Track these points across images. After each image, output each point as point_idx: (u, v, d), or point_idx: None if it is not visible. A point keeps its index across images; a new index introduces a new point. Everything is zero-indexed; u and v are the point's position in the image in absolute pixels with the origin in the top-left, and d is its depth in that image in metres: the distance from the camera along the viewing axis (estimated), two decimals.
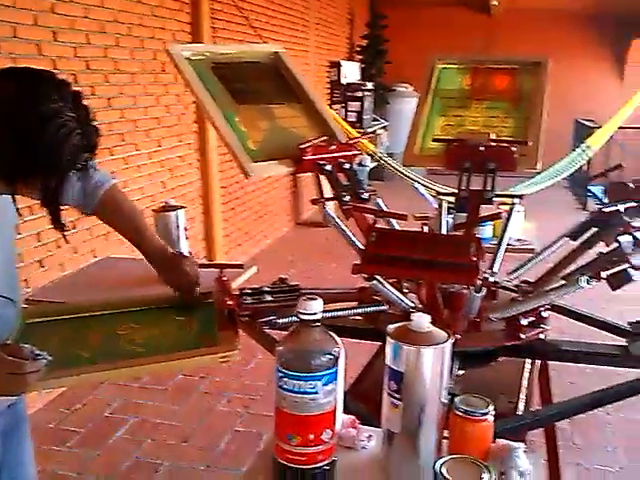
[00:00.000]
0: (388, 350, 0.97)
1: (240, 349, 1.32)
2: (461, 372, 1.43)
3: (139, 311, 1.57)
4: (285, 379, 0.93)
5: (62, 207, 1.30)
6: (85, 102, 1.25)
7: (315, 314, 0.94)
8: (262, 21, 5.96)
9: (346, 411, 1.15)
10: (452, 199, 1.79)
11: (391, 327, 0.99)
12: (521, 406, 1.54)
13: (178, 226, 1.92)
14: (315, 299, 0.93)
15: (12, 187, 1.25)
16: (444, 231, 1.78)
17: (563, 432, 2.97)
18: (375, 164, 7.84)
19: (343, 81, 8.36)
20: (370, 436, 1.08)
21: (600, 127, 5.92)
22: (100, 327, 1.48)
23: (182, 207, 1.93)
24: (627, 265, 1.33)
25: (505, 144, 1.77)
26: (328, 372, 0.93)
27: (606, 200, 1.65)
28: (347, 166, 1.86)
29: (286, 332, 1.03)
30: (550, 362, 1.99)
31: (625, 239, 1.37)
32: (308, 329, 0.94)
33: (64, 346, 1.39)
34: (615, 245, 1.39)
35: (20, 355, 1.11)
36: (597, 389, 1.39)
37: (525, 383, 1.64)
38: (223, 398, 3.47)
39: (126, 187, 4.03)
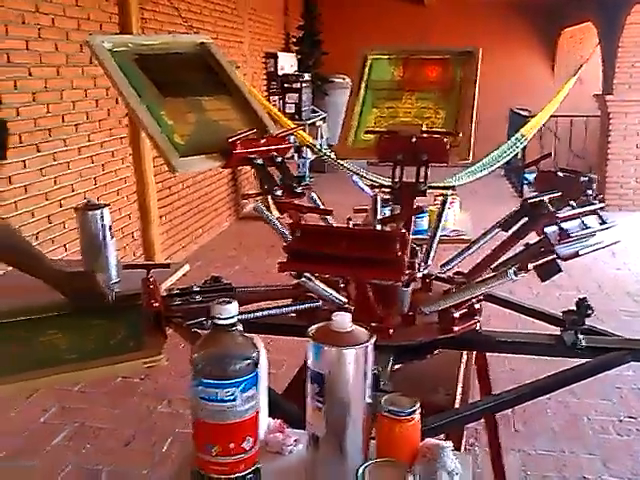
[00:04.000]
0: (309, 352, 0.93)
1: (165, 354, 1.27)
2: (397, 367, 1.41)
3: (61, 316, 1.51)
4: (201, 387, 0.89)
5: None
6: None
7: (229, 318, 0.89)
8: (194, 11, 5.83)
9: (280, 413, 1.11)
10: (388, 191, 1.78)
11: (313, 328, 0.95)
12: (459, 398, 1.53)
13: (104, 225, 1.84)
14: (229, 302, 0.89)
15: None
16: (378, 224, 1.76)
17: (504, 418, 3.02)
18: (315, 156, 7.84)
19: (280, 72, 8.29)
20: (297, 440, 1.04)
21: (534, 116, 6.06)
22: (23, 334, 1.41)
23: (106, 205, 1.85)
24: (554, 256, 1.34)
25: (437, 135, 1.76)
26: (247, 378, 0.89)
27: (535, 190, 1.66)
28: (279, 159, 1.82)
29: None
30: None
31: (552, 229, 1.37)
32: (224, 334, 0.90)
33: None
34: (543, 236, 1.39)
35: None
36: (535, 379, 1.38)
37: (462, 375, 1.64)
38: (164, 400, 3.38)
39: (55, 184, 3.89)
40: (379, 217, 1.79)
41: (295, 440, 1.03)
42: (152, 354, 1.28)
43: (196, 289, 1.57)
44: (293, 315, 1.50)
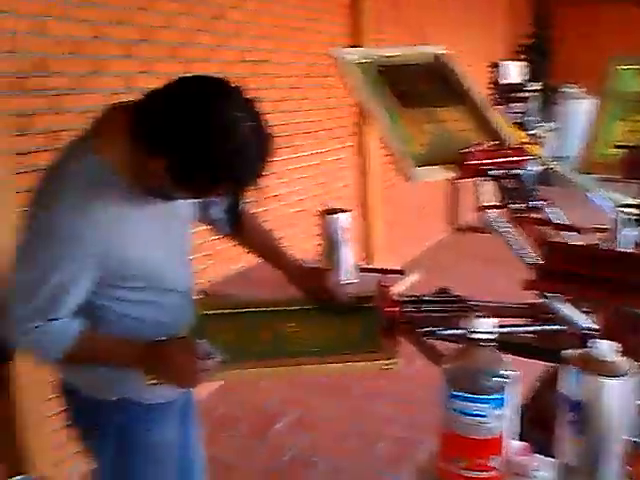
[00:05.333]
0: (567, 378, 0.89)
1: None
2: None
3: (303, 310, 1.59)
4: (453, 399, 0.89)
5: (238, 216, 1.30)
6: (258, 109, 1.21)
7: (488, 333, 0.88)
8: (415, 23, 5.87)
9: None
10: (636, 211, 1.64)
11: (571, 353, 0.91)
12: None
13: (343, 229, 1.93)
14: (488, 317, 0.88)
15: (193, 195, 1.29)
16: (621, 246, 1.63)
17: None
18: (542, 168, 7.49)
19: (505, 82, 8.05)
20: (540, 465, 1.00)
21: None
22: (270, 323, 1.52)
23: (347, 210, 1.93)
24: None
25: None
26: (499, 395, 0.88)
27: None
28: (517, 172, 1.77)
29: (447, 343, 0.97)
30: None
31: None
32: (479, 349, 0.89)
33: (238, 339, 1.43)
34: None
35: (195, 352, 1.15)
36: None
37: None
38: (379, 401, 3.42)
39: (288, 187, 4.14)
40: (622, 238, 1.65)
41: (538, 465, 0.99)
42: (389, 357, 1.30)
43: (428, 298, 1.58)
44: (526, 335, 1.44)
